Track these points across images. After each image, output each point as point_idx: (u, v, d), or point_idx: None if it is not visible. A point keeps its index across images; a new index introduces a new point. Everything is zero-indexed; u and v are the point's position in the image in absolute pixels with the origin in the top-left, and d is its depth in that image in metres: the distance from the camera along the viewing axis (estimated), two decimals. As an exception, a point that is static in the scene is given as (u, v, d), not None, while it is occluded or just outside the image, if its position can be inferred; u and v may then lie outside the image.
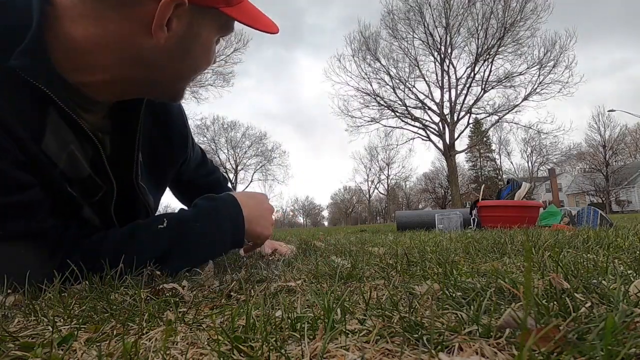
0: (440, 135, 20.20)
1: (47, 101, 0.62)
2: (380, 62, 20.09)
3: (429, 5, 19.50)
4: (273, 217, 0.94)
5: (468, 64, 20.06)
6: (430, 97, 20.60)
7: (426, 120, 20.69)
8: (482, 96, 20.02)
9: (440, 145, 20.33)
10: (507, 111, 19.82)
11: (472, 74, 19.92)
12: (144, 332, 0.41)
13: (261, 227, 0.88)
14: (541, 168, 31.05)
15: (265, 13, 0.75)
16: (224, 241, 0.82)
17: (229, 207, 0.83)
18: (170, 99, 0.78)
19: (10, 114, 0.59)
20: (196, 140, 1.11)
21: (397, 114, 20.64)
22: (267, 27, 0.71)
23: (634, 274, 0.53)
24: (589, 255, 0.75)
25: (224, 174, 1.29)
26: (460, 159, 35.54)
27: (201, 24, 0.66)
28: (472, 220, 3.15)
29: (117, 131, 0.76)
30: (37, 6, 0.60)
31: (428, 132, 20.69)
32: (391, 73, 20.11)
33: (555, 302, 0.38)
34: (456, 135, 20.02)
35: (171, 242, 0.74)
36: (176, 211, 0.84)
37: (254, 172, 35.16)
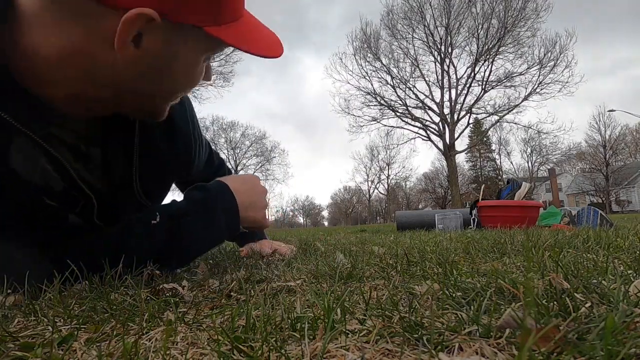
0: (440, 135, 20.20)
1: (8, 126, 0.58)
2: (381, 62, 20.10)
3: (430, 5, 19.51)
4: (267, 199, 0.91)
5: (468, 64, 20.08)
6: (431, 97, 20.61)
7: (426, 120, 20.70)
8: (482, 96, 20.03)
9: (440, 145, 20.35)
10: (508, 111, 19.82)
11: (473, 73, 19.93)
12: (144, 332, 0.41)
13: (254, 211, 0.86)
14: (541, 168, 31.05)
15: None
16: (220, 232, 0.81)
17: (222, 195, 0.82)
18: (149, 117, 0.71)
19: None
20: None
21: (398, 114, 20.66)
22: (265, 50, 0.64)
23: (634, 274, 0.53)
24: (589, 255, 0.75)
25: (229, 167, 1.28)
26: (460, 159, 35.55)
27: (180, 42, 0.60)
28: (472, 220, 3.15)
29: (112, 141, 0.73)
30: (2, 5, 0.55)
31: (428, 132, 20.71)
32: (392, 73, 20.12)
33: (555, 302, 0.38)
34: (456, 135, 20.02)
35: (165, 239, 0.74)
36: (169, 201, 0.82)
37: (254, 172, 35.13)
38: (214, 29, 0.59)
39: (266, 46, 0.65)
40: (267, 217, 0.91)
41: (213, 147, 1.13)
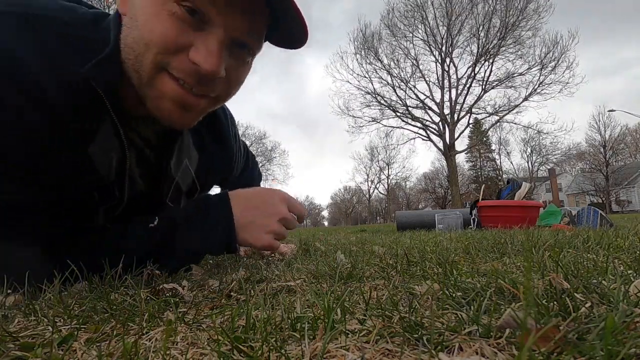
0: (441, 135, 20.20)
1: (104, 110, 0.62)
2: (381, 62, 20.10)
3: (431, 5, 19.51)
4: (279, 220, 0.79)
5: (469, 64, 20.07)
6: (431, 97, 20.61)
7: (426, 120, 20.70)
8: (482, 96, 20.03)
9: (441, 145, 20.34)
10: (508, 111, 19.82)
11: (473, 73, 19.93)
12: (144, 332, 0.41)
13: (251, 235, 0.77)
14: (541, 168, 31.04)
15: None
16: (213, 246, 0.78)
17: (218, 210, 0.78)
18: (167, 122, 0.65)
19: (69, 114, 0.59)
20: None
21: (398, 114, 20.65)
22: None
23: (634, 274, 0.53)
24: (589, 255, 0.75)
25: (259, 170, 1.28)
26: (460, 159, 35.57)
27: None
28: (472, 220, 3.15)
29: (161, 146, 0.77)
30: (115, 22, 0.61)
31: (428, 132, 20.70)
32: (392, 72, 20.12)
33: (555, 302, 0.38)
34: (456, 135, 20.02)
35: (157, 243, 0.74)
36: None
37: (254, 172, 35.02)
38: None
39: None
40: (265, 242, 0.78)
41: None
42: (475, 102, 20.16)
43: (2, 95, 0.54)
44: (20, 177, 0.60)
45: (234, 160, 0.97)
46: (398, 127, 21.57)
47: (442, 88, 20.47)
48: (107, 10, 0.62)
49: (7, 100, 0.54)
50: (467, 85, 20.04)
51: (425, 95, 20.57)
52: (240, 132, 1.08)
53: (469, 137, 29.23)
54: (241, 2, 0.56)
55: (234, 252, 0.79)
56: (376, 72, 20.13)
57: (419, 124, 20.91)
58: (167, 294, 0.56)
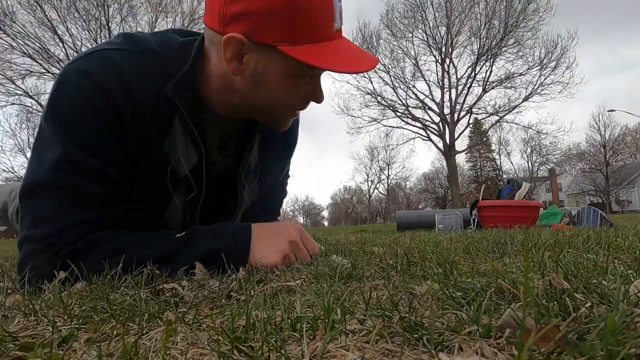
0: (441, 135, 20.20)
1: (176, 112, 0.80)
2: (381, 62, 20.07)
3: (431, 5, 19.51)
4: (287, 243, 0.83)
5: (469, 64, 20.06)
6: (431, 97, 20.60)
7: (426, 120, 20.70)
8: (482, 96, 20.02)
9: (441, 145, 20.34)
10: (508, 111, 19.82)
11: (473, 73, 19.93)
12: (144, 332, 0.41)
13: (261, 249, 0.81)
14: (541, 168, 31.04)
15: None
16: (226, 247, 0.80)
17: (239, 227, 0.86)
18: (274, 125, 0.87)
19: (147, 117, 0.78)
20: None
21: (398, 114, 20.66)
22: (346, 67, 0.73)
23: (634, 274, 0.53)
24: (589, 255, 0.75)
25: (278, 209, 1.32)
26: (460, 159, 35.55)
27: (268, 60, 0.73)
28: (472, 220, 3.15)
29: (238, 144, 0.93)
30: (195, 52, 0.79)
31: (428, 132, 20.71)
32: (392, 72, 20.12)
33: (555, 302, 0.38)
34: (456, 135, 20.02)
35: (178, 243, 0.80)
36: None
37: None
38: (288, 48, 0.70)
39: (349, 63, 0.74)
40: (281, 258, 0.82)
41: None
42: (475, 102, 20.16)
43: (118, 104, 0.75)
44: (117, 175, 0.77)
45: (286, 148, 1.09)
46: (398, 127, 21.59)
47: (442, 88, 20.47)
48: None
49: (121, 108, 0.75)
50: (467, 85, 20.04)
51: (425, 95, 20.57)
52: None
53: (469, 137, 29.24)
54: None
55: (243, 262, 0.80)
56: (376, 72, 20.12)
57: (419, 124, 20.91)
58: (167, 294, 0.56)
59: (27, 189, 0.75)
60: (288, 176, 1.23)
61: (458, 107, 20.18)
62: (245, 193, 0.99)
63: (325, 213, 57.64)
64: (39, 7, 18.20)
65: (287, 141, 1.07)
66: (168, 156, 0.82)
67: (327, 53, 0.71)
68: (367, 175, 39.95)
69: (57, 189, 0.73)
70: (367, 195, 42.05)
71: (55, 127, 0.74)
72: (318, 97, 0.82)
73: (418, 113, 20.72)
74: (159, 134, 0.80)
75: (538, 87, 18.90)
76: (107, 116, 0.74)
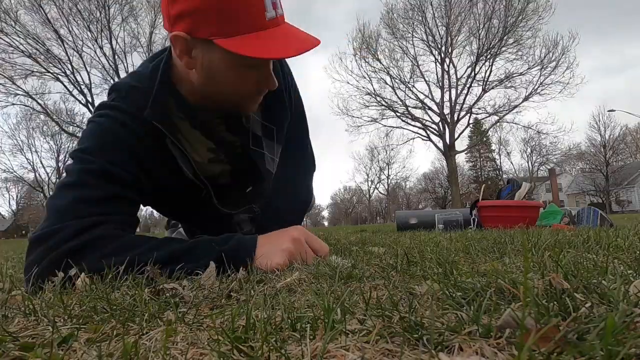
0: (440, 135, 20.19)
1: (163, 135, 0.89)
2: (380, 62, 20.08)
3: (431, 5, 19.50)
4: (289, 241, 0.85)
5: (469, 64, 20.06)
6: (431, 97, 20.59)
7: (426, 120, 20.69)
8: (482, 96, 20.01)
9: (440, 145, 20.33)
10: (508, 111, 19.81)
11: (473, 73, 19.92)
12: (144, 332, 0.41)
13: (267, 251, 0.83)
14: (541, 168, 31.03)
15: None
16: (230, 248, 0.83)
17: (245, 237, 0.87)
18: (238, 112, 0.96)
19: (149, 140, 0.90)
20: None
21: (398, 114, 20.65)
22: (280, 52, 0.79)
23: (634, 274, 0.53)
24: (589, 255, 0.75)
25: (314, 197, 1.38)
26: (460, 159, 35.51)
27: (211, 53, 0.79)
28: (472, 220, 3.15)
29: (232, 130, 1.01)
30: (163, 68, 0.89)
31: (428, 132, 20.70)
32: (391, 73, 20.10)
33: (555, 302, 0.38)
34: (456, 135, 20.01)
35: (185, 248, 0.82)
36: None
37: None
38: (222, 40, 0.75)
39: (277, 48, 0.78)
40: (285, 258, 0.82)
41: None
42: (475, 102, 20.15)
43: (125, 139, 0.87)
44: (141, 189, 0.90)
45: (286, 105, 1.11)
46: (398, 127, 21.58)
47: (441, 88, 20.46)
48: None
49: (129, 140, 0.88)
50: (467, 85, 20.03)
51: (425, 95, 20.56)
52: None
53: (469, 137, 29.23)
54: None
55: (245, 262, 0.80)
56: (375, 72, 20.11)
57: (418, 124, 20.90)
58: (168, 294, 0.56)
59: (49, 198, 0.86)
60: (309, 151, 1.28)
61: (458, 107, 20.17)
62: (267, 158, 1.06)
63: (325, 213, 57.64)
64: (40, 8, 18.20)
65: (285, 98, 1.10)
66: (177, 166, 0.93)
67: (257, 42, 0.75)
68: (367, 175, 39.94)
69: (68, 187, 0.83)
70: (367, 195, 42.05)
71: (80, 152, 0.87)
72: (269, 84, 0.86)
73: (418, 113, 20.72)
74: (160, 151, 0.91)
75: (538, 86, 18.90)
76: (115, 143, 0.87)
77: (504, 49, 19.10)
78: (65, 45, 19.49)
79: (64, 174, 0.87)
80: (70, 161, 0.88)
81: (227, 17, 0.74)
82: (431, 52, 20.41)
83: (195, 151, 0.96)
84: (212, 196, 1.00)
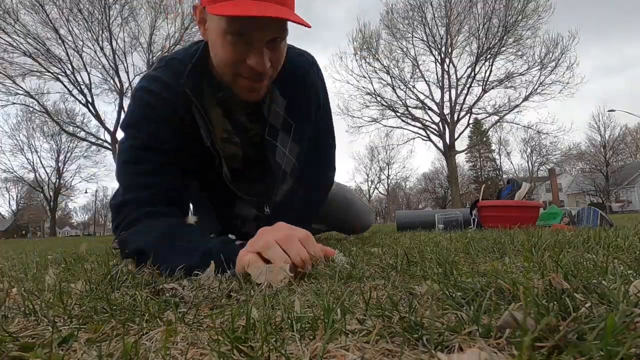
0: (440, 135, 20.19)
1: (190, 99, 0.98)
2: (381, 62, 20.07)
3: (431, 5, 19.50)
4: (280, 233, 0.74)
5: (469, 64, 20.06)
6: (431, 97, 20.59)
7: (426, 120, 20.69)
8: (482, 96, 20.01)
9: (440, 145, 20.33)
10: (508, 111, 19.80)
11: (473, 73, 19.91)
12: (144, 332, 0.41)
13: (254, 241, 0.75)
14: (541, 168, 31.02)
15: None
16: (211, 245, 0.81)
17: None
18: (237, 93, 0.98)
19: (179, 105, 0.98)
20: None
21: (398, 114, 20.64)
22: (248, 12, 0.80)
23: (634, 274, 0.53)
24: (589, 255, 0.75)
25: (318, 194, 1.32)
26: (460, 159, 35.52)
27: (211, 21, 0.88)
28: (472, 220, 3.15)
29: (254, 111, 1.09)
30: (203, 44, 1.00)
31: (428, 132, 20.71)
32: (392, 73, 20.09)
33: (555, 302, 0.38)
34: (456, 135, 20.00)
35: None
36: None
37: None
38: (211, 6, 0.82)
39: (242, 10, 0.80)
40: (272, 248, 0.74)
41: None
42: (475, 102, 20.15)
43: (168, 104, 0.98)
44: (172, 162, 0.97)
45: (312, 104, 1.17)
46: (398, 127, 21.58)
47: (442, 88, 20.46)
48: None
49: (173, 109, 0.99)
50: (467, 85, 20.02)
51: (425, 95, 20.55)
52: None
53: (469, 137, 29.23)
54: (268, 20, 0.82)
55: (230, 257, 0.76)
56: (376, 72, 20.10)
57: (418, 124, 20.90)
58: (168, 294, 0.56)
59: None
60: (331, 133, 1.31)
61: (458, 107, 20.17)
62: (281, 151, 1.12)
63: (325, 213, 57.39)
64: (41, 7, 18.20)
65: (312, 95, 1.16)
66: (198, 133, 1.02)
67: (232, 5, 0.81)
68: (367, 175, 39.89)
69: (125, 164, 0.96)
70: (367, 195, 42.01)
71: (124, 134, 0.99)
72: (255, 62, 0.88)
73: (418, 113, 20.72)
74: (188, 118, 1.00)
75: (538, 86, 18.90)
76: (153, 121, 0.98)
77: (504, 48, 19.10)
78: (66, 45, 19.49)
79: (119, 148, 0.99)
80: (121, 134, 1.01)
81: None
82: (431, 52, 20.42)
83: (213, 126, 1.04)
84: (224, 165, 1.07)
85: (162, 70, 1.01)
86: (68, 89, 20.49)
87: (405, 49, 20.14)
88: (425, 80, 20.51)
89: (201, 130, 1.01)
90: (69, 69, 19.91)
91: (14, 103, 19.94)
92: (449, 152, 19.62)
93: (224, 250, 0.76)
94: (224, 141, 1.10)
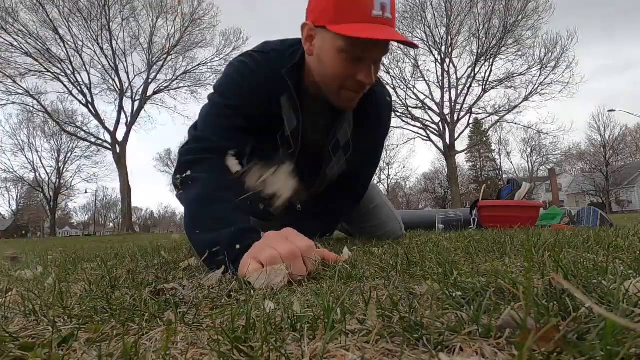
0: (440, 135, 20.19)
1: (287, 90, 1.11)
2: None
3: (431, 5, 19.50)
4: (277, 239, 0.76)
5: (469, 64, 20.06)
6: (431, 97, 20.58)
7: (426, 120, 20.69)
8: (482, 96, 20.01)
9: (440, 145, 20.33)
10: (508, 111, 19.80)
11: (473, 73, 19.91)
12: (144, 332, 0.41)
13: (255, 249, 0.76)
14: (541, 168, 31.02)
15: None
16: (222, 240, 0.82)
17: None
18: (337, 104, 1.12)
19: (272, 91, 1.11)
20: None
21: (398, 114, 20.64)
22: (375, 33, 0.93)
23: (634, 274, 0.53)
24: (589, 255, 0.75)
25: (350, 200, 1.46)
26: (460, 159, 35.51)
27: (324, 39, 0.99)
28: (472, 220, 3.15)
29: (331, 116, 1.21)
30: (303, 49, 1.09)
31: (428, 132, 20.71)
32: (392, 73, 20.09)
33: (555, 302, 0.38)
34: (456, 135, 20.00)
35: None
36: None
37: (254, 172, 35.06)
38: (333, 26, 0.95)
39: (373, 31, 0.92)
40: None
41: None
42: (475, 102, 20.15)
43: (259, 82, 1.09)
44: (246, 127, 1.08)
45: (376, 136, 1.33)
46: (398, 127, 21.56)
47: (442, 88, 20.46)
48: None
49: (260, 87, 1.10)
50: (467, 85, 20.02)
51: (425, 95, 20.55)
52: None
53: (469, 137, 29.22)
54: (377, 46, 0.97)
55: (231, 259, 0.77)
56: (376, 72, 20.04)
57: (418, 124, 20.89)
58: (168, 294, 0.56)
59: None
60: (378, 160, 1.47)
61: (458, 107, 20.17)
62: (333, 165, 1.27)
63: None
64: (41, 7, 18.19)
65: (379, 126, 1.32)
66: (279, 117, 1.14)
67: (356, 27, 0.92)
68: (367, 175, 39.73)
69: (210, 115, 1.09)
70: (367, 195, 41.86)
71: (215, 92, 1.12)
72: (366, 77, 1.00)
73: (418, 113, 20.72)
74: (274, 102, 1.12)
75: (538, 86, 18.91)
76: (244, 90, 1.09)
77: (504, 48, 19.10)
78: (66, 45, 19.48)
79: (209, 101, 1.12)
80: (212, 92, 1.13)
81: (341, 9, 0.93)
82: (431, 52, 20.41)
83: (300, 119, 1.17)
84: (295, 151, 1.20)
85: (262, 55, 1.13)
86: (68, 89, 20.51)
87: (405, 49, 20.13)
88: (426, 80, 20.52)
89: (284, 117, 1.14)
90: (69, 69, 19.92)
91: (13, 102, 19.94)
92: (449, 152, 19.62)
93: (242, 240, 0.79)
94: (292, 135, 1.21)
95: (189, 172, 0.97)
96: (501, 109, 19.86)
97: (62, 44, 19.24)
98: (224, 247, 0.78)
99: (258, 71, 1.10)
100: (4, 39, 17.54)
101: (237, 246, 0.77)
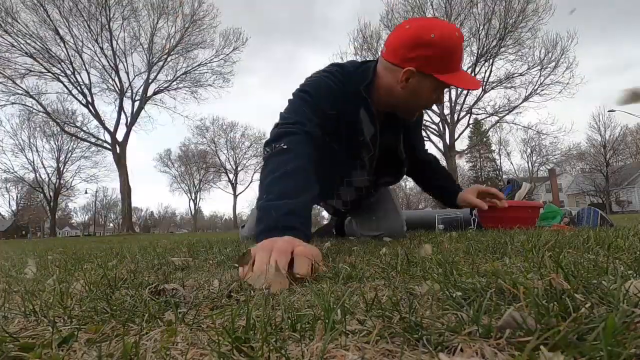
0: (440, 135, 20.19)
1: (365, 104, 1.41)
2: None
3: (431, 5, 19.50)
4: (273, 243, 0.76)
5: (469, 64, 20.05)
6: (431, 97, 20.50)
7: (426, 121, 20.66)
8: (482, 97, 20.00)
9: (441, 145, 20.32)
10: (508, 112, 19.80)
11: (473, 74, 19.89)
12: (144, 332, 0.41)
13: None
14: (541, 168, 31.01)
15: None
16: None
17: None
18: (406, 117, 1.48)
19: (349, 103, 1.39)
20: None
21: (398, 114, 20.58)
22: (466, 84, 1.29)
23: (634, 274, 0.53)
24: (589, 255, 0.75)
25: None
26: (460, 159, 35.44)
27: (423, 82, 1.29)
28: (472, 221, 3.15)
29: (385, 125, 1.54)
30: (372, 70, 1.39)
31: (428, 132, 20.69)
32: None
33: (555, 303, 0.38)
34: (456, 135, 20.00)
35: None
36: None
37: (254, 173, 35.13)
38: (440, 75, 1.25)
39: (467, 83, 1.30)
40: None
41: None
42: (475, 102, 20.15)
43: (344, 92, 1.37)
44: (328, 133, 1.33)
45: (417, 125, 1.77)
46: (398, 128, 21.51)
47: (442, 88, 20.38)
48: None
49: (345, 96, 1.37)
50: (467, 86, 19.95)
51: (425, 95, 20.47)
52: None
53: (469, 137, 29.22)
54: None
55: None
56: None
57: (419, 124, 20.82)
58: (168, 295, 0.56)
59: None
60: (422, 137, 1.91)
61: (458, 107, 20.17)
62: (405, 161, 1.66)
63: (325, 213, 57.54)
64: (41, 7, 18.18)
65: (418, 122, 1.73)
66: (359, 126, 1.44)
67: (457, 77, 1.28)
68: (367, 176, 39.72)
69: (299, 105, 1.27)
70: (367, 196, 41.86)
71: (306, 92, 1.30)
72: (441, 101, 1.38)
73: (418, 113, 20.65)
74: (352, 111, 1.41)
75: (538, 87, 18.91)
76: (333, 96, 1.34)
77: (503, 49, 19.10)
78: (66, 45, 19.48)
79: (298, 98, 1.29)
80: (302, 90, 1.31)
81: (445, 62, 1.24)
82: (431, 52, 20.34)
83: (377, 127, 1.49)
84: (375, 154, 1.57)
85: (342, 73, 1.39)
86: (68, 89, 20.51)
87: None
88: (425, 81, 20.44)
89: (363, 126, 1.44)
90: (69, 69, 19.92)
91: (13, 103, 19.94)
92: (449, 152, 19.62)
93: (299, 228, 0.87)
94: (371, 141, 1.51)
95: (282, 143, 1.10)
96: (501, 110, 19.87)
97: (62, 44, 19.25)
98: (272, 217, 0.88)
99: (346, 83, 1.37)
100: (4, 39, 17.55)
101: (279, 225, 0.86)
